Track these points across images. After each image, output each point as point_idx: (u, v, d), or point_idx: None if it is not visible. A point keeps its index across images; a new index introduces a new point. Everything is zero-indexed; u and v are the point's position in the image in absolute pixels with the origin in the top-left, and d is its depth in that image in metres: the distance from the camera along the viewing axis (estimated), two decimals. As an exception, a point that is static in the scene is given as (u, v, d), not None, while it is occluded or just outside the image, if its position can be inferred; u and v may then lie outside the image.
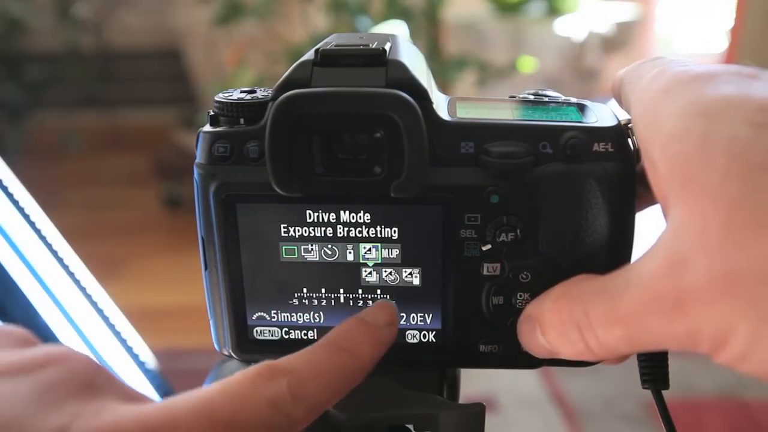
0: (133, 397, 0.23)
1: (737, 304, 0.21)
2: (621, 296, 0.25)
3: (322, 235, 0.31)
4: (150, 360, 0.71)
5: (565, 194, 0.29)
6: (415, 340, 0.32)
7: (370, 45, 0.29)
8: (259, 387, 0.23)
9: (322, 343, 0.27)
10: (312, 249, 0.31)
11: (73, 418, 0.20)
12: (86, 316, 0.66)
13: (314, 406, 0.24)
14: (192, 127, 2.31)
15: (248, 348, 0.33)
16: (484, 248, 0.30)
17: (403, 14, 1.94)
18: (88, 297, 0.67)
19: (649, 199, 0.31)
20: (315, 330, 0.32)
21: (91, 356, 0.23)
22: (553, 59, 2.35)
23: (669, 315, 0.23)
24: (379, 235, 0.30)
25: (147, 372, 0.70)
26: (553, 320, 0.28)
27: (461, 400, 0.33)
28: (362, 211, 0.30)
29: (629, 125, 0.30)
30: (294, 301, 0.32)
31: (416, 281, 0.31)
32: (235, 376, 0.23)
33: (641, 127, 0.26)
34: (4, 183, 0.62)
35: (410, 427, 0.32)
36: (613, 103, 0.32)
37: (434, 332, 0.32)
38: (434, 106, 0.29)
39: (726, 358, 0.23)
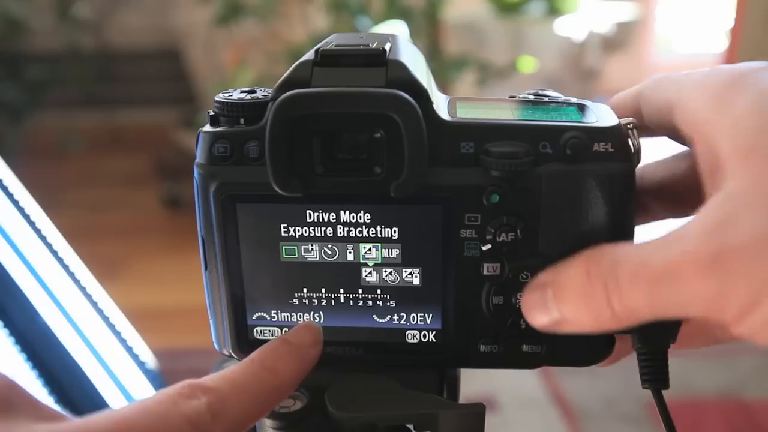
0: (49, 416, 0.22)
1: None
2: (657, 253, 0.24)
3: (322, 235, 0.31)
4: (150, 360, 0.71)
5: (565, 194, 0.29)
6: (415, 340, 0.32)
7: (370, 45, 0.29)
8: (178, 405, 0.23)
9: (246, 362, 0.27)
10: (312, 249, 0.31)
11: None
12: (86, 316, 0.66)
13: (235, 423, 0.25)
14: (192, 127, 2.31)
15: (248, 348, 0.33)
16: (484, 248, 0.30)
17: (403, 14, 1.94)
18: (88, 297, 0.67)
19: (657, 214, 0.31)
20: (315, 330, 0.32)
21: (6, 374, 0.23)
22: (553, 59, 2.35)
23: (704, 271, 0.23)
24: (379, 235, 0.30)
25: (147, 372, 0.70)
26: (578, 278, 0.27)
27: (461, 400, 0.33)
28: (362, 211, 0.30)
29: (629, 125, 0.30)
30: (294, 301, 0.32)
31: (416, 281, 0.31)
32: (155, 395, 0.23)
33: (703, 112, 0.26)
34: (4, 183, 0.62)
35: (410, 427, 0.32)
36: (612, 102, 0.32)
37: (434, 332, 0.32)
38: (434, 106, 0.29)
39: (750, 323, 0.23)
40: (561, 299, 0.28)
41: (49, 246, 0.65)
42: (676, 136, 0.30)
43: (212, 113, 0.30)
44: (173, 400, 0.23)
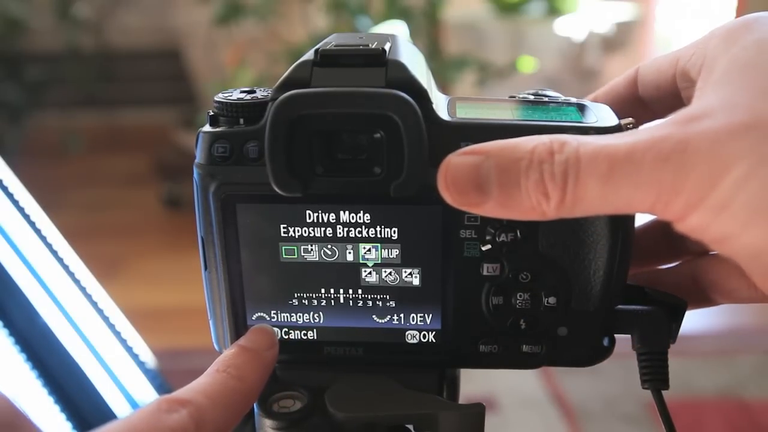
0: None
1: (747, 140, 0.22)
2: (623, 138, 0.24)
3: (322, 235, 0.31)
4: (150, 360, 0.71)
5: (564, 194, 0.29)
6: (415, 340, 0.32)
7: (370, 45, 0.29)
8: (161, 420, 0.24)
9: (211, 372, 0.28)
10: (312, 249, 0.31)
11: None
12: (86, 316, 0.66)
13: (217, 431, 0.25)
14: (192, 127, 2.31)
15: (248, 348, 0.33)
16: (483, 248, 0.30)
17: (403, 14, 1.94)
18: (88, 297, 0.67)
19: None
20: (315, 330, 0.32)
21: (8, 399, 0.24)
22: (553, 59, 2.34)
23: (668, 155, 0.23)
24: (378, 235, 0.30)
25: (147, 372, 0.70)
26: (540, 156, 0.25)
27: (461, 400, 0.33)
28: (362, 211, 0.30)
29: (629, 125, 0.30)
30: (294, 301, 0.32)
31: (416, 281, 0.31)
32: (136, 413, 0.24)
33: (714, 50, 0.27)
34: (4, 183, 0.62)
35: (410, 427, 0.32)
36: (607, 86, 0.34)
37: (434, 332, 0.32)
38: (434, 106, 0.29)
39: (706, 209, 0.22)
40: (506, 177, 0.25)
41: (49, 246, 0.65)
42: (673, 98, 0.31)
43: (212, 113, 0.30)
44: (156, 416, 0.24)
